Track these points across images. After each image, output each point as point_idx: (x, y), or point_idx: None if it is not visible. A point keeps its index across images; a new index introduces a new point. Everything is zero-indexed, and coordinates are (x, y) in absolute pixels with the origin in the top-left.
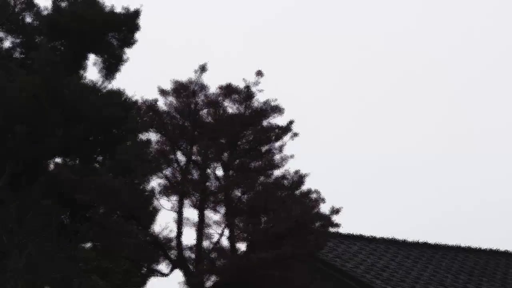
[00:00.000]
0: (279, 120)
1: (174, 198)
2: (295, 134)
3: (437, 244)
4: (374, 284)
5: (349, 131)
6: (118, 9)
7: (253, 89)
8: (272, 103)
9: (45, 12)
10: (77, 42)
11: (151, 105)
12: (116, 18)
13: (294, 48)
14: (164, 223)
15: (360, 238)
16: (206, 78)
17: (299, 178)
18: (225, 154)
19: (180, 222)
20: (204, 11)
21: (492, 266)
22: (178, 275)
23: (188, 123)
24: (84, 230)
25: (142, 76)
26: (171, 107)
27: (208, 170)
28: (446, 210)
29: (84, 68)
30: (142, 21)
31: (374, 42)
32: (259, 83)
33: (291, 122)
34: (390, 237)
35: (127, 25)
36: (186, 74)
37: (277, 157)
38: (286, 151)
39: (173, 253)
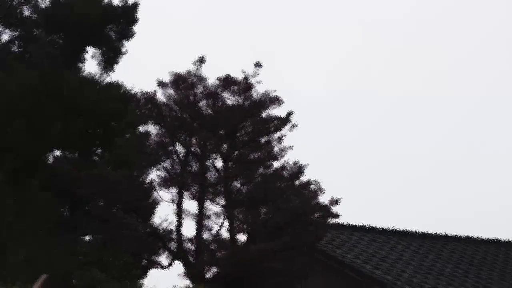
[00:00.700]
0: (278, 111)
1: (173, 190)
2: (294, 125)
3: (437, 234)
4: (374, 275)
5: (350, 122)
6: (116, 2)
7: (252, 80)
8: (271, 94)
9: (43, 5)
10: (75, 35)
11: (150, 97)
12: (115, 11)
13: (293, 37)
14: (163, 215)
15: (359, 228)
16: (205, 70)
17: (299, 169)
18: (224, 146)
19: (179, 214)
20: (202, 3)
21: (491, 256)
22: (178, 267)
23: (187, 115)
24: (83, 223)
25: (141, 68)
26: (170, 99)
27: (208, 162)
28: (446, 200)
29: (82, 61)
30: (140, 13)
31: (374, 30)
32: (258, 74)
33: (290, 113)
34: (390, 228)
35: (125, 17)
36: (185, 66)
37: (276, 148)
38: (285, 142)
39: (173, 245)
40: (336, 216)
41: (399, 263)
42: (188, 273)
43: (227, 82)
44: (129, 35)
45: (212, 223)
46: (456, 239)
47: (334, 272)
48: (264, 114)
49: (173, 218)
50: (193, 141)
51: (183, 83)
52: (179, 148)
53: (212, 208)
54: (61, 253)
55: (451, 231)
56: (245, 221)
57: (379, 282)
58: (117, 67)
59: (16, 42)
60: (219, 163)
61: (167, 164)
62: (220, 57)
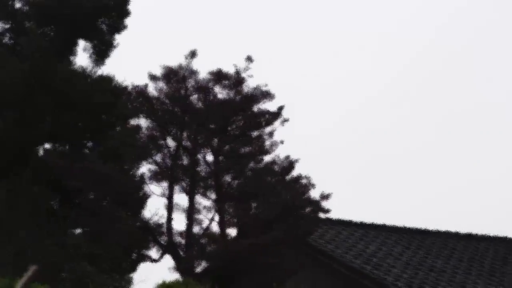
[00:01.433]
0: (269, 106)
1: (164, 184)
2: (286, 120)
3: (427, 230)
4: (364, 270)
5: (340, 117)
6: None
7: (243, 74)
8: (263, 89)
9: None
10: (67, 28)
11: (141, 91)
12: (106, 4)
13: (283, 30)
14: (154, 208)
15: (350, 223)
16: (196, 64)
17: (289, 164)
18: (215, 140)
19: (170, 207)
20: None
21: (481, 252)
22: (168, 261)
23: (178, 109)
24: (73, 216)
25: (132, 62)
26: (161, 93)
27: (198, 156)
28: (436, 195)
29: (74, 54)
30: (132, 6)
31: (368, 27)
32: (249, 68)
33: (281, 108)
34: (381, 223)
35: (117, 10)
36: (176, 60)
37: (267, 142)
38: (276, 137)
39: (163, 239)
40: (327, 211)
41: (389, 259)
42: (178, 267)
43: (218, 76)
44: (120, 28)
45: (202, 217)
46: (446, 234)
47: (324, 267)
48: (255, 109)
49: (164, 212)
50: (184, 135)
51: (174, 76)
52: (170, 141)
53: (203, 202)
54: (51, 245)
55: (441, 227)
56: (236, 215)
57: (369, 277)
58: (108, 60)
59: (8, 34)
60: (210, 157)
61: (158, 157)
62: (211, 50)
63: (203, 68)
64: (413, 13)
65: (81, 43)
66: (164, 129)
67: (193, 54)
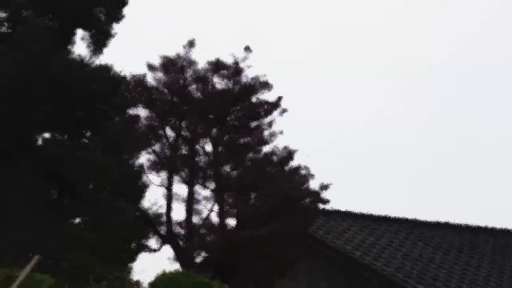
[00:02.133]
0: (268, 96)
1: (163, 174)
2: (284, 110)
3: (427, 222)
4: (363, 261)
5: (340, 107)
6: None
7: (242, 64)
8: (261, 79)
9: None
10: (64, 17)
11: (140, 81)
12: None
13: (281, 20)
14: (153, 198)
15: (350, 214)
16: (194, 54)
17: (288, 154)
18: (214, 130)
19: (169, 197)
20: None
21: (481, 244)
22: (168, 251)
23: (177, 99)
24: (72, 206)
25: (131, 51)
26: (159, 83)
27: (197, 146)
28: (437, 185)
29: (71, 43)
30: None
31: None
32: (248, 58)
33: (280, 98)
34: (380, 214)
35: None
36: (174, 50)
37: (266, 133)
38: (275, 127)
39: (162, 229)
40: (326, 201)
41: (389, 250)
42: (178, 258)
43: (217, 66)
44: (118, 17)
45: (202, 207)
46: (446, 226)
47: (323, 258)
48: (254, 99)
49: (163, 202)
50: (183, 125)
51: (172, 66)
52: (169, 132)
53: (202, 192)
54: (50, 235)
55: (441, 218)
56: (235, 206)
57: (369, 268)
58: (106, 50)
59: (5, 24)
60: (209, 147)
61: (157, 147)
62: (210, 40)
63: (201, 58)
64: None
65: (79, 33)
66: (163, 119)
67: (191, 44)
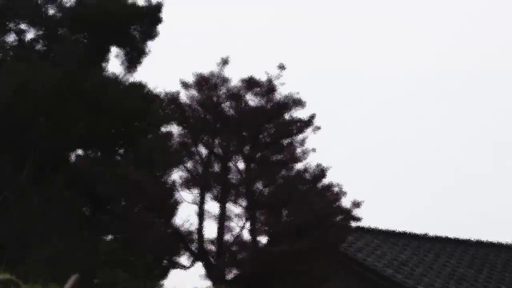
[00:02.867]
0: (301, 113)
1: (195, 191)
2: (317, 128)
3: (458, 239)
4: (395, 278)
5: (372, 124)
6: (141, 2)
7: (275, 82)
8: (294, 96)
9: (68, 4)
10: (99, 35)
11: (173, 98)
12: (139, 11)
13: (314, 38)
14: (185, 215)
15: (381, 232)
16: (228, 71)
17: (321, 172)
18: (247, 147)
19: (201, 215)
20: (226, 3)
21: None
22: (199, 268)
23: (210, 116)
24: (105, 222)
25: (165, 69)
26: (193, 100)
27: (230, 163)
28: (467, 204)
29: (106, 60)
30: (164, 13)
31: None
32: (281, 76)
33: (312, 116)
34: (412, 232)
35: (149, 17)
36: (208, 67)
37: (298, 150)
38: (308, 145)
39: (194, 246)
40: (358, 219)
41: (420, 267)
42: (209, 275)
43: (250, 83)
44: (153, 35)
45: (233, 225)
46: (478, 244)
47: (355, 275)
48: (287, 116)
49: (195, 219)
50: (216, 142)
51: (206, 84)
52: (202, 149)
53: (234, 209)
54: (83, 251)
55: (472, 236)
56: (267, 223)
57: (401, 285)
58: (140, 67)
59: (40, 41)
60: (241, 165)
61: (189, 164)
62: (244, 57)
63: (235, 75)
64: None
65: (114, 50)
66: (195, 136)
67: (225, 61)
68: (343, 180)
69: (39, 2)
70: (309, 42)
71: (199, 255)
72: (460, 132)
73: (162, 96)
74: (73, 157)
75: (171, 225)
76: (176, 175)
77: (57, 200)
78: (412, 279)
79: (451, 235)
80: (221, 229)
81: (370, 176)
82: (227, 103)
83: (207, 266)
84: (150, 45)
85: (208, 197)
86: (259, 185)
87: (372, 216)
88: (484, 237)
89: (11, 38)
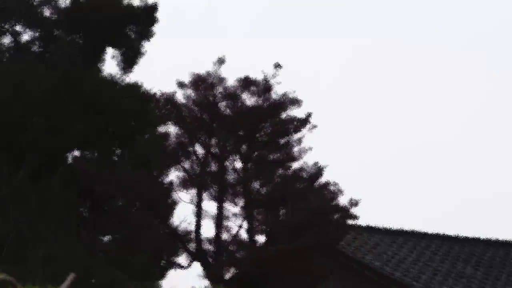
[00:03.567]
0: (297, 112)
1: (192, 191)
2: (314, 126)
3: (456, 236)
4: (393, 276)
5: (368, 123)
6: (136, 2)
7: (271, 81)
8: (290, 95)
9: (64, 6)
10: (95, 35)
11: (170, 98)
12: (134, 11)
13: (311, 36)
14: (183, 215)
15: (379, 230)
16: (224, 71)
17: (318, 170)
18: (244, 147)
19: (199, 214)
20: (221, 3)
21: (511, 258)
22: (197, 268)
23: (207, 116)
24: (103, 223)
25: (161, 69)
26: (189, 100)
27: (227, 163)
28: (465, 200)
29: (102, 61)
30: (160, 13)
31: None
32: (277, 75)
33: (309, 115)
34: (409, 229)
35: (145, 18)
36: (204, 67)
37: (295, 149)
38: (305, 143)
39: (192, 246)
40: (355, 217)
41: (419, 265)
42: (207, 274)
43: (246, 83)
44: (148, 35)
45: (231, 224)
46: (475, 241)
47: (353, 273)
48: (283, 115)
49: (192, 219)
50: (213, 141)
51: (202, 83)
52: (199, 148)
53: (231, 209)
54: (80, 251)
55: (470, 233)
56: (265, 222)
57: (399, 283)
58: (136, 68)
59: (36, 42)
60: (238, 164)
61: (186, 164)
62: (240, 57)
63: (231, 75)
64: None
65: (110, 51)
66: (192, 136)
67: (221, 61)
68: (340, 179)
69: (34, 3)
70: (307, 40)
71: (197, 254)
72: (457, 128)
73: (159, 96)
74: (70, 157)
75: (169, 225)
76: (173, 175)
77: (55, 201)
78: (410, 277)
79: (449, 232)
80: (219, 229)
81: (367, 174)
82: (224, 103)
83: (205, 265)
84: (146, 45)
85: (205, 196)
86: (256, 184)
87: (370, 214)
88: (482, 234)
89: (7, 39)
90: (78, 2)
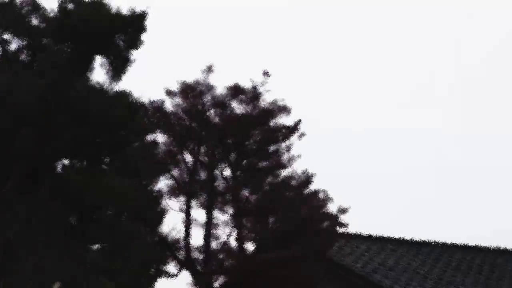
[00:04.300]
0: (286, 120)
1: (181, 199)
2: (303, 134)
3: (445, 243)
4: (383, 284)
5: (357, 129)
6: (125, 11)
7: (260, 89)
8: (279, 103)
9: (52, 14)
10: (83, 44)
11: (158, 106)
12: (123, 20)
13: (301, 44)
14: (172, 224)
15: (368, 237)
16: (213, 79)
17: (307, 178)
18: (233, 155)
19: (188, 222)
20: (209, 12)
21: (501, 265)
22: (186, 276)
23: (195, 124)
24: (91, 232)
25: (149, 77)
26: (178, 108)
27: (216, 171)
28: (456, 206)
29: (91, 69)
30: (149, 22)
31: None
32: (266, 83)
33: (298, 122)
34: (398, 237)
35: (133, 26)
36: (193, 75)
37: (284, 157)
38: (294, 151)
39: (181, 254)
40: (345, 225)
41: (408, 272)
42: (196, 282)
43: (235, 91)
44: (137, 44)
45: (220, 232)
46: (464, 248)
47: (342, 281)
48: (272, 123)
49: (181, 227)
50: (202, 150)
51: (191, 92)
52: (188, 157)
53: (221, 217)
54: (69, 261)
55: (458, 240)
56: (254, 230)
57: None
58: (125, 76)
59: (24, 51)
60: (227, 172)
61: (175, 172)
62: (228, 64)
63: (220, 83)
64: None
65: (98, 59)
66: (181, 144)
67: (209, 69)
68: (329, 186)
69: (22, 12)
70: (297, 47)
71: (186, 263)
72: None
73: (147, 105)
74: (59, 167)
75: (158, 233)
76: (163, 183)
77: (43, 211)
78: (400, 284)
79: (438, 239)
80: (208, 237)
81: (356, 181)
82: (212, 111)
83: (194, 274)
84: (135, 54)
85: (194, 205)
86: (245, 192)
87: (359, 221)
88: (469, 241)
89: None
90: (66, 11)
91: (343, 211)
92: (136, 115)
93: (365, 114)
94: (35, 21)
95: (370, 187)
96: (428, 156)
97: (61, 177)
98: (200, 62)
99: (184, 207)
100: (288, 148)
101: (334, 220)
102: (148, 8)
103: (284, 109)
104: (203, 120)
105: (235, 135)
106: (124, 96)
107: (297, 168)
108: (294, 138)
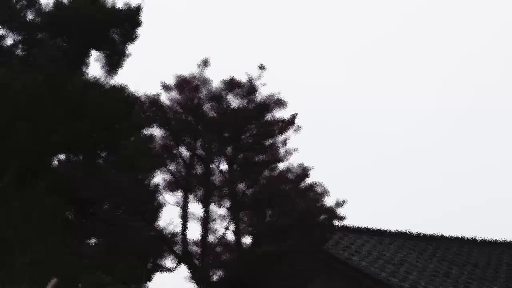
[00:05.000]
0: (282, 114)
1: (178, 193)
2: (299, 127)
3: (442, 236)
4: (379, 277)
5: (354, 123)
6: (120, 5)
7: (256, 83)
8: (276, 97)
9: (47, 9)
10: (79, 39)
11: (154, 100)
12: (118, 14)
13: (297, 36)
14: (169, 218)
15: (365, 231)
16: (209, 73)
17: (303, 171)
18: (229, 148)
19: (185, 217)
20: (205, 5)
21: (496, 258)
22: (183, 270)
23: (192, 118)
24: (88, 226)
25: (145, 71)
26: (174, 102)
27: (212, 165)
28: (453, 201)
29: (86, 64)
30: (144, 16)
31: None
32: (262, 76)
33: (294, 116)
34: (396, 230)
35: (129, 20)
36: (189, 69)
37: (281, 150)
38: (290, 145)
39: (178, 248)
40: (342, 218)
41: (405, 265)
42: (194, 276)
43: (231, 84)
44: (132, 38)
45: (217, 226)
46: (461, 241)
47: (340, 275)
48: (268, 117)
49: (178, 221)
50: (198, 144)
51: (187, 86)
52: (184, 151)
53: (218, 210)
54: (66, 256)
55: (457, 233)
56: (251, 224)
57: (385, 284)
58: (121, 70)
59: (20, 46)
60: (224, 166)
61: (172, 167)
62: (224, 58)
63: (216, 77)
64: None
65: (94, 54)
66: (177, 138)
67: (205, 63)
68: (326, 180)
69: (18, 7)
70: (293, 41)
71: (183, 257)
72: (452, 127)
73: (143, 99)
74: (55, 161)
75: (155, 227)
76: (159, 178)
77: (40, 205)
78: (397, 277)
79: (435, 232)
80: (205, 231)
81: (353, 174)
82: (209, 105)
83: (191, 268)
84: (130, 48)
85: (191, 199)
86: (242, 186)
87: (356, 214)
88: (468, 234)
89: None
90: (61, 6)
91: (340, 204)
92: (132, 109)
93: (365, 115)
94: (30, 16)
95: (366, 180)
96: (424, 151)
97: (57, 171)
98: (196, 56)
99: (181, 201)
100: (285, 142)
101: (331, 213)
102: (143, 2)
103: (280, 103)
104: (199, 114)
105: (231, 129)
106: (120, 90)
107: (293, 161)
108: (290, 131)
